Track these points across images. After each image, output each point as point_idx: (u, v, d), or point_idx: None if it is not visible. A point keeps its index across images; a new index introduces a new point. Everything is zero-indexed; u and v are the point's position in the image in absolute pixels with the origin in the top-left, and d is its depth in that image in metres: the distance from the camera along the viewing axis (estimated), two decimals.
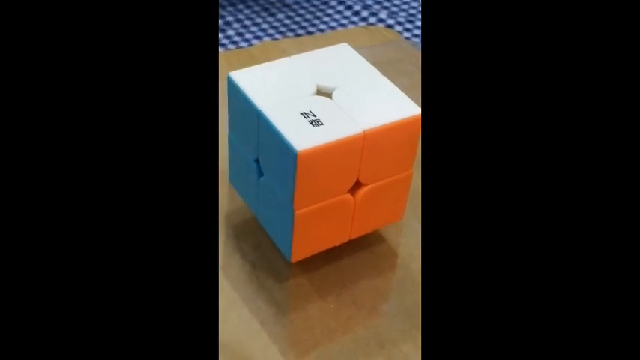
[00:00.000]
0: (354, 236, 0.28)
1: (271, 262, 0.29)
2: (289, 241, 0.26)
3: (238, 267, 0.29)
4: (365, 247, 0.30)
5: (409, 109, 0.26)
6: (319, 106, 0.25)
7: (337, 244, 0.28)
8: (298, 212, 0.25)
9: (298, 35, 0.49)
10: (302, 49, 0.42)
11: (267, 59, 0.41)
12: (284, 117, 0.25)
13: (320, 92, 0.26)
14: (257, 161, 0.27)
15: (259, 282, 0.28)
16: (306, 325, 0.27)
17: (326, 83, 0.27)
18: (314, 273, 0.29)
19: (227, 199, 0.31)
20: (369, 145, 0.25)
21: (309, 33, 0.49)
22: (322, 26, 0.50)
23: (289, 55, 0.41)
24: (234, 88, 0.26)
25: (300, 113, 0.25)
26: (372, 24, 0.48)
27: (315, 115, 0.25)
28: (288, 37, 0.49)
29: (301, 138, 0.24)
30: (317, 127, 0.24)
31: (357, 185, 0.26)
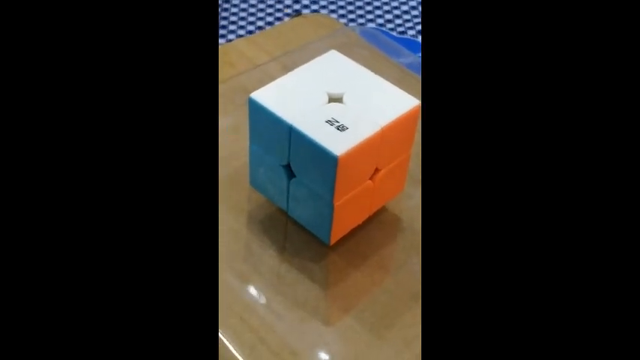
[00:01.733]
0: (372, 212, 0.33)
1: (303, 247, 0.33)
2: (328, 228, 0.31)
3: (275, 257, 0.33)
4: (372, 218, 0.35)
5: (409, 101, 0.31)
6: (337, 112, 0.30)
7: (361, 222, 0.33)
8: (337, 204, 0.30)
9: (239, 35, 0.52)
10: (258, 48, 0.46)
11: (230, 61, 0.45)
12: (314, 127, 0.29)
13: (331, 99, 0.31)
14: (285, 166, 0.31)
15: (299, 267, 0.33)
16: (351, 293, 0.32)
17: (334, 90, 0.31)
18: (341, 249, 0.34)
19: (247, 199, 0.35)
20: (385, 138, 0.30)
21: (249, 32, 0.52)
22: (260, 23, 0.53)
23: (249, 56, 0.45)
24: (257, 107, 0.30)
25: (326, 121, 0.30)
26: (299, 12, 0.52)
27: (338, 121, 0.30)
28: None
29: (336, 144, 0.28)
30: (344, 132, 0.29)
31: (375, 171, 0.31)
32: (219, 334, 0.30)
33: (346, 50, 0.43)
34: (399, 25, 0.62)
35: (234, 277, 0.32)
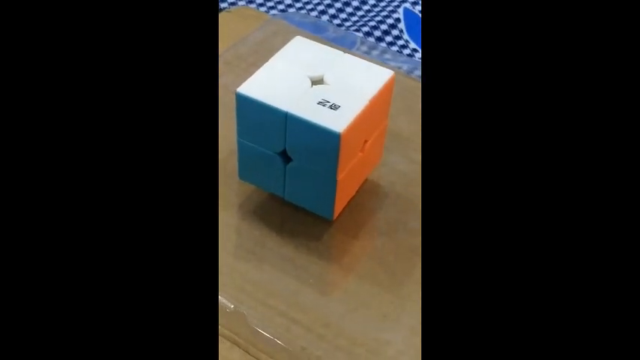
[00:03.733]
0: (362, 182, 0.35)
1: (302, 229, 0.35)
2: (331, 204, 0.33)
3: (279, 242, 0.34)
4: (358, 189, 0.37)
5: (385, 73, 0.33)
6: (324, 93, 0.32)
7: (354, 193, 0.35)
8: (340, 178, 0.32)
9: None
10: None
11: None
12: (310, 110, 0.31)
13: (313, 82, 0.32)
14: (280, 153, 0.32)
15: (304, 248, 0.34)
16: (360, 261, 0.34)
17: (313, 73, 0.33)
18: (337, 224, 0.35)
19: (235, 193, 0.36)
20: (371, 109, 0.32)
21: None
22: None
23: None
24: (246, 101, 0.31)
25: (318, 103, 0.31)
26: (225, 8, 0.52)
27: (329, 101, 0.31)
28: None
29: (335, 122, 0.30)
30: (338, 110, 0.31)
31: (364, 142, 0.33)
32: (253, 325, 0.31)
33: (284, 37, 0.44)
34: (300, 8, 0.64)
35: (248, 268, 0.33)
